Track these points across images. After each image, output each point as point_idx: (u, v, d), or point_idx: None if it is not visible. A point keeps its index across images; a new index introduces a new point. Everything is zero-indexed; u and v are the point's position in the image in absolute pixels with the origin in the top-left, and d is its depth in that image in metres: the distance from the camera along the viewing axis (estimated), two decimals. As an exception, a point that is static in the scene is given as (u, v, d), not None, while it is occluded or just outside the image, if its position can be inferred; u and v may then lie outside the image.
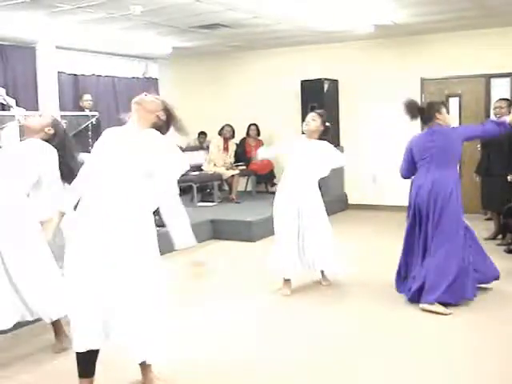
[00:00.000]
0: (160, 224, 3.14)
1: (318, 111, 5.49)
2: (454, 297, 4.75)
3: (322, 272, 5.54)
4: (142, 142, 3.11)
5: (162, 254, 3.19)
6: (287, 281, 5.35)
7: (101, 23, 7.57)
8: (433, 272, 4.75)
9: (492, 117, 7.49)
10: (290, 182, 5.32)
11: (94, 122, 8.26)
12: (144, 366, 3.27)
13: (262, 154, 5.98)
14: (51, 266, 3.85)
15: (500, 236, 7.18)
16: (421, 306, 4.73)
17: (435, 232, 4.81)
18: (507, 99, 7.55)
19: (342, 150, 10.12)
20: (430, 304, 4.69)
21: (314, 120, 5.32)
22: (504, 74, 8.83)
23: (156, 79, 11.36)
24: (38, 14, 6.98)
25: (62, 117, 4.25)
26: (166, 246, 3.17)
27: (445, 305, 4.69)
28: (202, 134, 11.02)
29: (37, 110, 8.23)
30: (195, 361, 3.82)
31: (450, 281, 4.71)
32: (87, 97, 9.12)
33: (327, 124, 5.38)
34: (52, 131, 3.94)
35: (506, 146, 6.86)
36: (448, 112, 5.06)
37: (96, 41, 8.86)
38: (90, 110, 8.81)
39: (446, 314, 4.61)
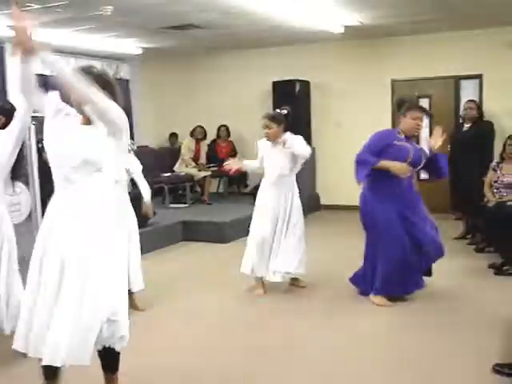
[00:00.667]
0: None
1: (270, 115, 5.26)
2: (396, 289, 4.87)
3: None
4: (83, 133, 2.86)
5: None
6: (260, 280, 5.31)
7: (70, 23, 7.49)
8: (378, 266, 4.88)
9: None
10: (272, 182, 5.24)
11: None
12: (107, 372, 3.09)
13: (247, 167, 5.66)
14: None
15: (469, 235, 7.28)
16: (370, 297, 4.92)
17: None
18: (475, 101, 7.68)
19: (313, 151, 10.14)
20: (374, 296, 4.87)
21: (270, 128, 5.17)
22: (472, 76, 8.97)
23: (127, 80, 11.26)
24: (5, 13, 6.87)
25: (33, 117, 4.11)
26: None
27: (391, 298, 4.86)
28: (174, 135, 10.98)
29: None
30: (158, 366, 3.81)
31: (390, 274, 4.78)
32: (57, 97, 9.00)
33: (283, 111, 5.28)
34: (3, 120, 3.62)
35: (475, 147, 6.95)
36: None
37: (65, 41, 8.76)
38: (60, 111, 8.70)
39: (382, 305, 4.78)
